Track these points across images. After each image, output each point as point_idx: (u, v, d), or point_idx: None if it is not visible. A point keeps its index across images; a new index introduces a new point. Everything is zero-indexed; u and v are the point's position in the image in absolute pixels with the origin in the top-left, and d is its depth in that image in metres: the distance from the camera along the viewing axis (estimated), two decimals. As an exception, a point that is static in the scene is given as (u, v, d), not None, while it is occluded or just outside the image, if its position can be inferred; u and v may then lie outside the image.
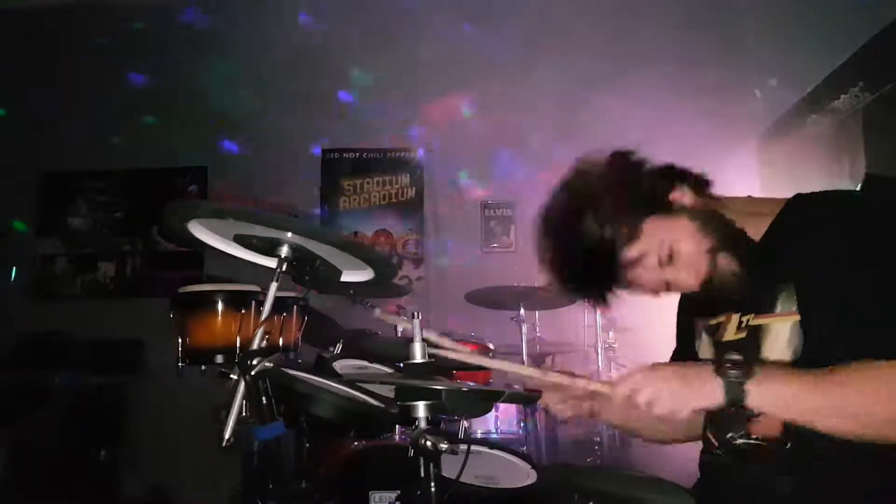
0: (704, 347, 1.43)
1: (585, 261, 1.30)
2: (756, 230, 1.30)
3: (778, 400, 1.11)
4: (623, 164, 1.35)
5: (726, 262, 1.27)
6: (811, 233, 1.23)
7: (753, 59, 4.34)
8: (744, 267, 1.27)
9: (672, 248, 1.28)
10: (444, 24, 4.76)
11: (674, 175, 1.33)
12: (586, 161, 1.38)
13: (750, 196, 1.42)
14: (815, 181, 3.68)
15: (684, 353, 1.50)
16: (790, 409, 1.12)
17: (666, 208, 1.29)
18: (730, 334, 1.33)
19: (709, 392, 1.11)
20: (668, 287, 1.34)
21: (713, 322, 1.39)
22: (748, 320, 1.29)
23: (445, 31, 4.75)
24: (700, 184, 1.34)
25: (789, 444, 1.19)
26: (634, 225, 1.27)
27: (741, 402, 1.10)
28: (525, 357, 3.44)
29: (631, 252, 1.28)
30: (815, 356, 1.17)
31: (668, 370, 1.18)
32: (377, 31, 4.77)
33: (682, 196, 1.30)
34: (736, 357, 1.16)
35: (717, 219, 1.29)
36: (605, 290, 1.35)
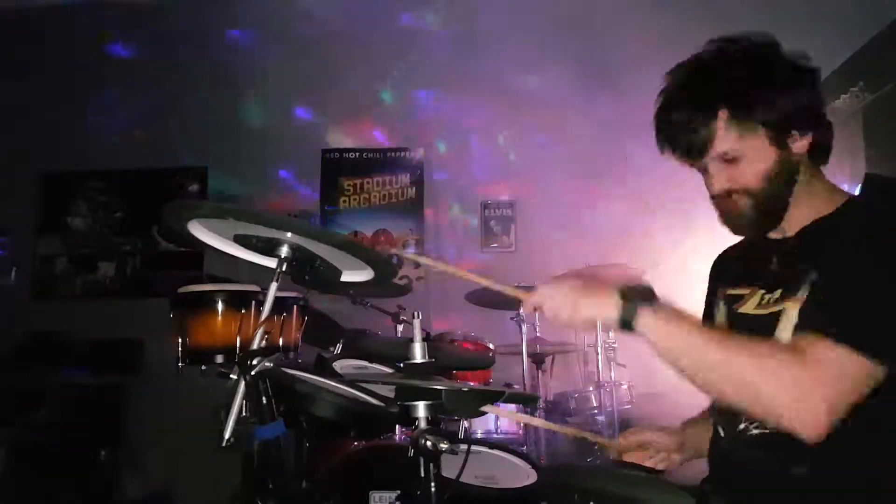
0: (720, 316, 1.42)
1: (688, 111, 1.26)
2: (806, 213, 1.28)
3: (666, 334, 1.13)
4: (799, 76, 1.28)
5: (743, 205, 1.27)
6: (843, 238, 1.21)
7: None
8: (755, 223, 1.28)
9: (739, 159, 1.24)
10: (445, 24, 4.77)
11: (818, 123, 1.28)
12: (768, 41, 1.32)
13: (827, 179, 1.36)
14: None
15: (705, 318, 1.51)
16: (674, 349, 1.14)
17: (779, 137, 1.24)
18: (749, 307, 1.33)
19: (604, 305, 1.15)
20: (702, 166, 1.31)
21: (735, 292, 1.39)
22: (770, 300, 1.29)
23: (446, 30, 4.76)
24: (822, 145, 1.30)
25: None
26: (751, 119, 1.23)
27: (630, 322, 1.13)
28: (525, 357, 3.44)
29: (725, 125, 1.23)
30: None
31: (574, 280, 1.21)
32: (378, 31, 4.77)
33: (798, 145, 1.26)
34: (646, 284, 1.17)
35: (788, 180, 1.26)
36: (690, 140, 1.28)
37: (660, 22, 4.48)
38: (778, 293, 1.28)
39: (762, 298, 1.31)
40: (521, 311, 3.38)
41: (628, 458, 1.54)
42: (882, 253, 1.14)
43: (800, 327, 1.19)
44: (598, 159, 4.33)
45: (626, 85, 4.23)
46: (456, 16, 4.76)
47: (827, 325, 1.09)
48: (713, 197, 1.32)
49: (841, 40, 3.70)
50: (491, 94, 4.66)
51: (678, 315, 1.15)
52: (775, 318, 1.25)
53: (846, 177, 3.48)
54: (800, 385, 1.06)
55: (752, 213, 1.28)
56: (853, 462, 1.14)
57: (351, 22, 4.79)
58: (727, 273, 1.48)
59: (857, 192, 1.37)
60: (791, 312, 1.23)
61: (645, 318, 1.13)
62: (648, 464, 1.52)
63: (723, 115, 1.22)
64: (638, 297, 1.14)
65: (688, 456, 1.54)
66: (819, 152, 1.30)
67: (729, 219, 1.32)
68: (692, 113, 1.25)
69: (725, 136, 1.23)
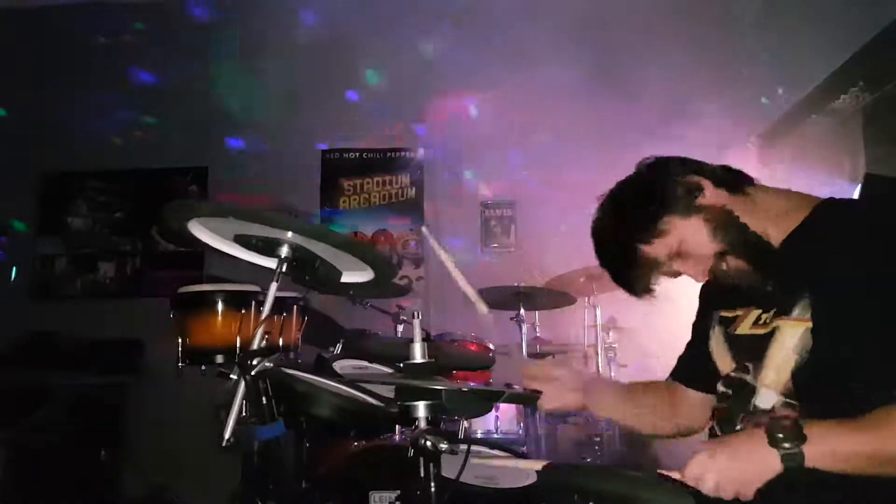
0: (716, 338, 1.45)
1: (615, 256, 1.41)
2: (782, 230, 1.32)
3: (832, 456, 1.13)
4: (653, 172, 1.41)
5: (735, 262, 1.32)
6: (833, 243, 1.24)
7: (754, 60, 4.34)
8: (754, 268, 1.31)
9: (680, 247, 1.33)
10: (447, 25, 4.77)
11: (701, 174, 1.37)
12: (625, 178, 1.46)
13: (788, 190, 1.42)
14: (815, 181, 3.68)
15: (697, 341, 1.54)
16: (843, 462, 1.13)
17: (685, 210, 1.34)
18: (744, 328, 1.36)
19: (768, 466, 1.13)
20: (679, 274, 1.40)
21: (730, 314, 1.42)
22: (766, 319, 1.32)
23: (446, 30, 4.76)
24: (726, 181, 1.37)
25: None
26: (653, 225, 1.34)
27: (801, 465, 1.12)
28: (525, 357, 3.44)
29: (648, 248, 1.35)
30: (823, 365, 1.19)
31: (724, 454, 1.17)
32: (380, 31, 4.77)
33: (704, 196, 1.34)
34: (782, 419, 1.17)
35: (731, 222, 1.32)
36: (633, 277, 1.41)
37: (664, 23, 4.49)
38: (771, 313, 1.31)
39: (758, 318, 1.34)
40: (522, 311, 3.38)
41: (530, 383, 1.59)
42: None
43: (818, 349, 1.21)
44: (599, 159, 4.32)
45: (629, 85, 4.24)
46: (458, 16, 4.76)
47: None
48: (715, 274, 1.38)
49: (841, 40, 3.70)
50: (491, 94, 4.66)
51: (830, 429, 1.14)
52: (769, 335, 1.28)
53: (846, 177, 3.48)
54: None
55: (743, 263, 1.32)
56: None
57: (350, 21, 4.79)
58: (719, 296, 1.49)
59: (874, 199, 1.39)
60: (785, 332, 1.25)
61: (810, 458, 1.12)
62: (549, 401, 1.57)
63: (641, 246, 1.36)
64: (789, 439, 1.12)
65: (579, 404, 1.59)
66: (730, 184, 1.37)
67: (739, 280, 1.34)
68: (629, 268, 1.40)
69: (657, 250, 1.36)
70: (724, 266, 1.32)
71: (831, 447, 1.13)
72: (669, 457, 3.09)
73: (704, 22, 4.43)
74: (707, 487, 1.17)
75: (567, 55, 4.47)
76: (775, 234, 1.33)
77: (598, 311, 3.68)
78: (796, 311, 1.25)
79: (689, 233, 1.33)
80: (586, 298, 3.66)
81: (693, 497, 1.27)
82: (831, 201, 1.33)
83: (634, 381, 1.68)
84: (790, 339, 1.24)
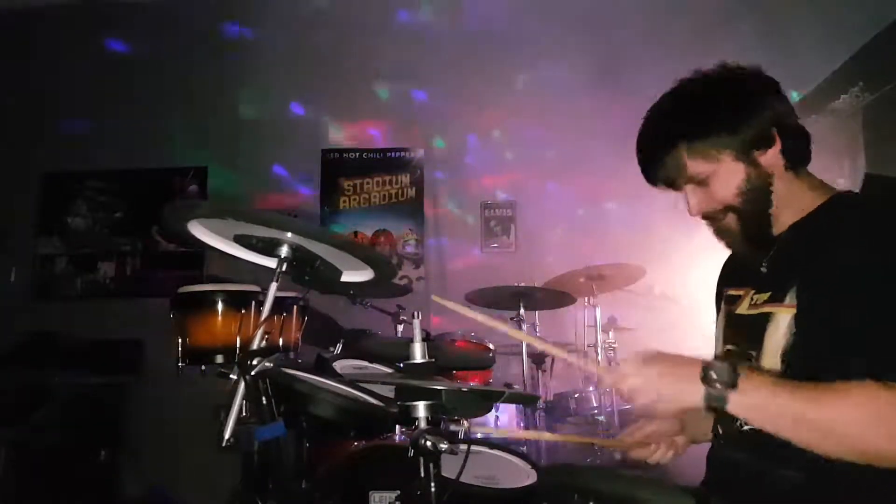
0: (721, 316, 1.47)
1: (655, 143, 1.36)
2: (795, 214, 1.32)
3: (758, 410, 1.14)
4: (750, 91, 1.34)
5: (733, 223, 1.33)
6: (831, 234, 1.24)
7: (754, 60, 4.33)
8: (744, 239, 1.32)
9: (709, 180, 1.31)
10: (445, 23, 4.77)
11: (780, 129, 1.31)
12: (722, 66, 1.40)
13: (812, 176, 1.38)
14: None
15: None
16: (770, 422, 1.14)
17: (742, 154, 1.30)
18: (743, 308, 1.37)
19: (690, 397, 1.14)
20: (679, 189, 1.38)
21: (733, 293, 1.43)
22: (759, 300, 1.33)
23: (447, 29, 4.76)
24: (791, 152, 1.32)
25: None
26: (711, 147, 1.30)
27: (722, 409, 1.13)
28: (525, 357, 3.44)
29: (690, 160, 1.31)
30: (802, 353, 1.20)
31: (658, 367, 1.19)
32: (382, 31, 4.77)
33: (766, 158, 1.30)
34: (724, 363, 1.15)
35: (763, 195, 1.31)
36: (661, 167, 1.36)
37: (664, 22, 4.49)
38: (766, 295, 1.31)
39: (752, 299, 1.35)
40: (522, 311, 3.38)
41: (636, 454, 1.54)
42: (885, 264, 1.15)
43: (798, 337, 1.21)
44: (599, 159, 4.33)
45: (628, 84, 4.23)
46: (457, 14, 4.76)
47: (878, 364, 1.10)
48: (704, 218, 1.37)
49: (841, 40, 3.70)
50: (491, 94, 4.67)
51: (764, 385, 1.14)
52: (764, 319, 1.28)
53: (846, 177, 3.48)
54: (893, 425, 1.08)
55: (737, 228, 1.33)
56: (850, 466, 1.14)
57: (350, 20, 4.79)
58: (729, 274, 1.52)
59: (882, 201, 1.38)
60: (780, 318, 1.26)
61: (734, 404, 1.13)
62: (656, 455, 1.53)
63: (683, 147, 1.31)
64: (721, 380, 1.12)
65: (690, 438, 1.55)
66: (793, 158, 1.33)
67: (720, 236, 1.37)
68: (657, 151, 1.35)
69: (692, 164, 1.31)
70: (721, 217, 1.33)
71: (761, 402, 1.12)
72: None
73: (705, 22, 4.43)
74: (624, 388, 1.18)
75: (568, 55, 4.48)
76: (786, 216, 1.32)
77: (598, 311, 3.68)
78: (788, 299, 1.25)
79: (727, 175, 1.30)
80: (586, 298, 3.66)
81: (693, 497, 1.27)
82: (841, 195, 1.32)
83: None
84: (783, 324, 1.25)
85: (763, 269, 1.35)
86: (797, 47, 4.11)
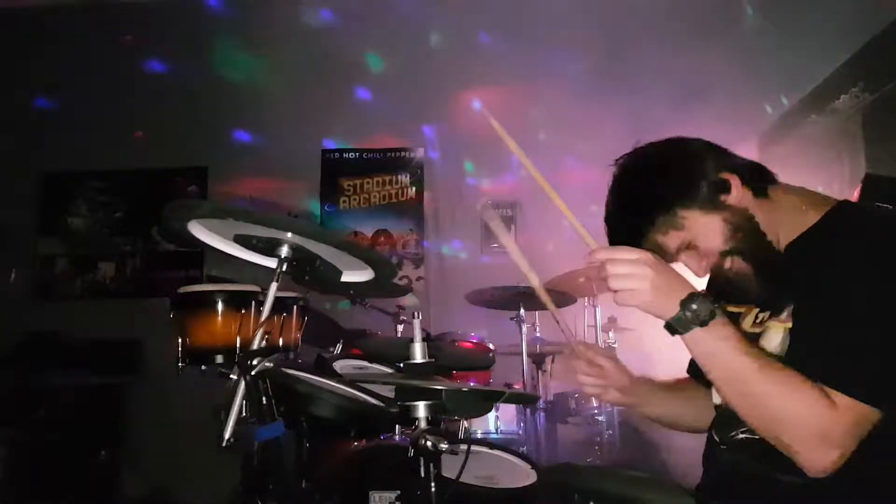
0: None
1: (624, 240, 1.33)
2: (792, 232, 1.30)
3: (710, 356, 1.16)
4: (677, 157, 1.36)
5: (739, 265, 1.30)
6: (829, 248, 1.22)
7: (754, 59, 4.34)
8: (757, 273, 1.29)
9: (693, 241, 1.30)
10: (447, 22, 4.78)
11: (730, 169, 1.31)
12: (648, 146, 1.41)
13: (804, 189, 1.39)
14: (815, 181, 3.68)
15: None
16: (715, 369, 1.17)
17: (708, 206, 1.29)
18: (747, 325, 1.35)
19: (663, 308, 1.15)
20: (676, 261, 1.36)
21: (734, 310, 1.40)
22: (763, 318, 1.31)
23: (447, 28, 4.76)
24: (753, 181, 1.32)
25: None
26: (672, 217, 1.30)
27: (678, 333, 1.15)
28: (525, 357, 3.44)
29: (662, 237, 1.31)
30: (796, 366, 1.17)
31: (654, 266, 1.17)
32: (384, 32, 4.77)
33: (729, 195, 1.30)
34: (711, 300, 1.15)
35: (750, 228, 1.30)
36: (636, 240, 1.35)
37: (664, 25, 4.49)
38: (768, 313, 1.31)
39: (756, 317, 1.34)
40: (522, 311, 3.38)
41: (576, 364, 1.51)
42: (877, 284, 1.14)
43: (793, 355, 1.20)
44: (599, 159, 4.32)
45: (630, 87, 4.24)
46: (458, 14, 4.76)
47: (849, 378, 1.11)
48: (714, 275, 1.35)
49: (841, 40, 3.70)
50: (491, 94, 4.67)
51: (731, 338, 1.15)
52: (763, 336, 1.28)
53: (846, 177, 3.48)
54: (825, 431, 1.09)
55: (748, 266, 1.30)
56: (847, 473, 1.14)
57: (350, 18, 4.79)
58: (727, 289, 1.46)
59: (855, 192, 1.37)
60: (772, 332, 1.25)
61: (692, 339, 1.15)
62: (589, 388, 1.51)
63: (652, 232, 1.31)
64: (697, 313, 1.13)
65: (627, 401, 1.53)
66: (757, 186, 1.33)
67: (739, 282, 1.32)
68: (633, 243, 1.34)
69: (668, 240, 1.31)
70: (727, 265, 1.31)
71: (717, 350, 1.14)
72: (670, 456, 3.09)
73: (705, 23, 4.43)
74: (611, 273, 1.17)
75: (569, 56, 4.47)
76: (785, 236, 1.31)
77: (598, 311, 3.68)
78: (784, 314, 1.25)
79: (706, 230, 1.30)
80: (586, 298, 3.65)
81: (693, 497, 1.27)
82: (841, 207, 1.30)
83: (663, 380, 1.63)
84: (775, 338, 1.25)
85: (763, 285, 1.32)
86: (797, 47, 4.11)
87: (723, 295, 1.42)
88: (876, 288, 1.14)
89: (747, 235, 1.29)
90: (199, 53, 4.82)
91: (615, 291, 1.18)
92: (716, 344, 1.14)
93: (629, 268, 1.17)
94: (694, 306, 1.13)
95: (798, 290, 1.23)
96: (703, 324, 1.13)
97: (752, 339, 1.29)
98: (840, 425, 1.09)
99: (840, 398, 1.09)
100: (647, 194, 1.33)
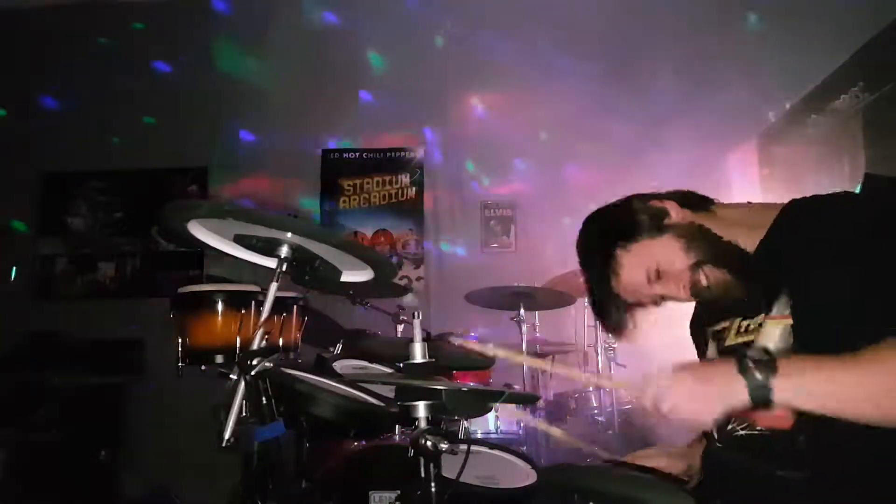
0: (711, 355, 1.44)
1: (594, 291, 1.47)
2: (752, 240, 1.32)
3: (804, 393, 1.08)
4: (619, 209, 1.46)
5: (713, 273, 1.31)
6: (802, 238, 1.24)
7: (754, 59, 4.34)
8: (734, 275, 1.30)
9: (658, 266, 1.34)
10: (450, 22, 4.77)
11: (663, 198, 1.39)
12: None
13: (749, 203, 1.45)
14: (815, 181, 3.68)
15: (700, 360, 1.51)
16: (817, 400, 1.08)
17: (655, 231, 1.36)
18: (731, 339, 1.35)
19: (733, 393, 1.09)
20: (664, 299, 1.40)
21: (718, 328, 1.41)
22: (750, 326, 1.31)
23: (447, 28, 4.76)
24: (690, 202, 1.39)
25: (802, 437, 1.18)
26: (626, 252, 1.37)
27: (768, 399, 1.07)
28: (525, 357, 3.43)
29: (624, 276, 1.37)
30: (805, 350, 1.18)
31: (690, 375, 1.16)
32: (386, 32, 4.77)
33: (670, 217, 1.36)
34: (758, 352, 1.13)
35: (702, 234, 1.34)
36: (617, 314, 1.44)
37: (664, 26, 4.48)
38: (755, 318, 1.30)
39: (740, 327, 1.34)
40: (522, 311, 3.38)
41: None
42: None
43: (798, 343, 1.19)
44: (599, 160, 4.33)
45: (629, 88, 4.24)
46: (459, 14, 4.76)
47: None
48: (697, 301, 1.41)
49: (841, 40, 3.70)
50: (491, 93, 4.67)
51: (805, 361, 1.11)
52: (753, 340, 1.27)
53: (846, 177, 3.48)
54: None
55: (722, 272, 1.31)
56: (839, 462, 1.15)
57: (352, 19, 4.79)
58: (705, 313, 1.49)
59: (838, 194, 1.38)
60: (769, 330, 1.25)
61: (779, 391, 1.07)
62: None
63: (614, 282, 1.40)
64: (760, 365, 1.08)
65: (696, 480, 1.51)
66: (696, 204, 1.40)
67: (718, 296, 1.34)
68: (614, 303, 1.44)
69: (632, 274, 1.38)
70: (703, 278, 1.32)
71: (805, 383, 1.07)
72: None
73: (705, 24, 4.43)
74: (664, 408, 1.14)
75: (570, 58, 4.47)
76: (745, 242, 1.33)
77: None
78: (775, 310, 1.25)
79: (662, 251, 1.34)
80: (586, 298, 3.65)
81: (693, 497, 1.27)
82: (795, 202, 1.33)
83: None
84: (773, 334, 1.24)
85: (744, 293, 1.32)
86: (797, 47, 4.11)
87: (711, 315, 1.43)
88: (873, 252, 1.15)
89: (705, 241, 1.33)
90: (201, 53, 4.82)
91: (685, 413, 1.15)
92: (800, 378, 1.08)
93: (674, 385, 1.15)
94: (751, 363, 1.09)
95: (796, 274, 1.23)
96: (774, 370, 1.08)
97: (742, 348, 1.29)
98: None
99: None
100: (595, 245, 1.45)
